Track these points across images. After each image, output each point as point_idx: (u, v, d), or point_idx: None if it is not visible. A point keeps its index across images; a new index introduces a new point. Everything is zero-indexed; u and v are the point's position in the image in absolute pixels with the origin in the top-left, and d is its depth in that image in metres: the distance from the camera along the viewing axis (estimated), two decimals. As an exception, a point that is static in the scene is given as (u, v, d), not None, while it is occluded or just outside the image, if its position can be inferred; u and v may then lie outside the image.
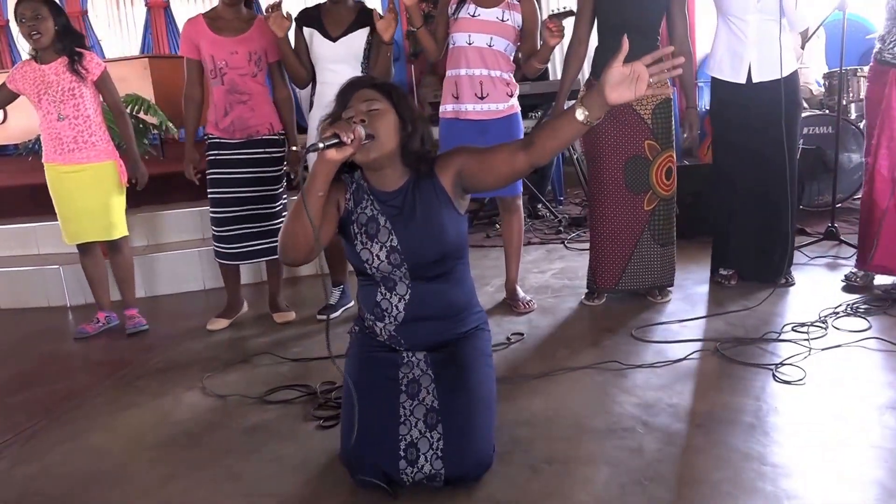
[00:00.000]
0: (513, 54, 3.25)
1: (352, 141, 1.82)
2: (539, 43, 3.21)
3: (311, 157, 1.93)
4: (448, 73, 3.28)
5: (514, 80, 3.27)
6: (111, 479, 2.18)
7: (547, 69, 6.32)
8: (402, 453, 1.89)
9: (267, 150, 3.42)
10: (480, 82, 3.19)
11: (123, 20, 8.78)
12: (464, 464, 1.89)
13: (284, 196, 3.54)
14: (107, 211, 3.47)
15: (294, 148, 3.47)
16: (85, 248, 3.58)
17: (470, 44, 3.16)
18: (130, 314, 3.63)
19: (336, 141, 1.80)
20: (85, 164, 3.39)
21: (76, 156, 3.38)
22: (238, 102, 3.34)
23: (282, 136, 3.48)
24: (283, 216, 3.50)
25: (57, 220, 3.54)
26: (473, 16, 3.13)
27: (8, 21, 8.98)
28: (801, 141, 4.60)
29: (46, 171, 3.46)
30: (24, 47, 8.83)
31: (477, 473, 1.93)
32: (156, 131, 5.78)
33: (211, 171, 3.42)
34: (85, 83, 3.35)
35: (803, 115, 4.73)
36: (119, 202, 3.52)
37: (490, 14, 3.13)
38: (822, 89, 5.23)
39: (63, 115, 3.34)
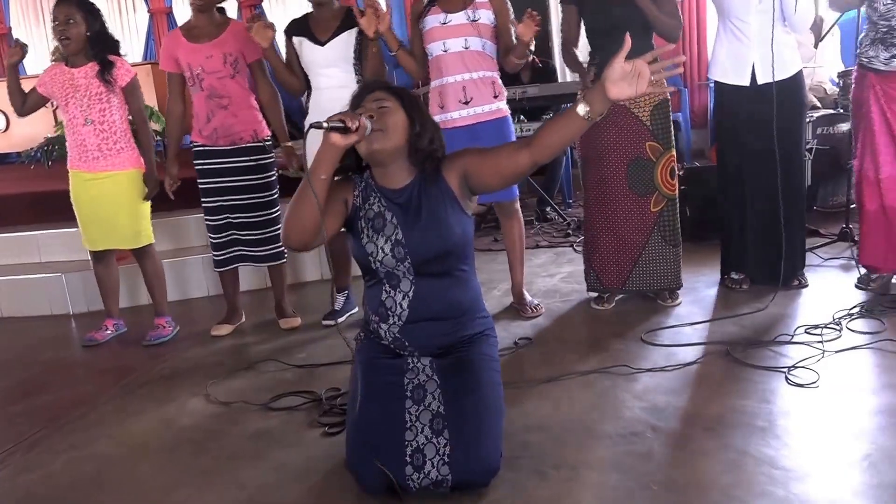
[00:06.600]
0: (493, 53, 3.22)
1: (356, 129, 1.87)
2: (514, 38, 3.14)
3: (311, 146, 1.98)
4: (432, 84, 3.27)
5: (499, 82, 3.25)
6: (116, 486, 2.17)
7: (555, 71, 6.32)
8: (408, 459, 1.87)
9: (252, 157, 3.42)
10: (463, 87, 3.17)
11: (126, 26, 8.78)
12: (470, 469, 1.87)
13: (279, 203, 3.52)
14: (132, 219, 3.43)
15: (287, 144, 3.44)
16: (99, 255, 3.53)
17: (446, 51, 3.15)
18: (158, 323, 3.56)
19: (340, 126, 1.85)
20: (109, 171, 3.36)
21: (100, 163, 3.35)
22: (219, 108, 3.33)
23: (267, 143, 3.46)
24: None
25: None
26: (444, 23, 3.13)
27: (10, 29, 9.00)
28: (816, 141, 4.57)
29: (70, 177, 3.43)
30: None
31: (484, 479, 1.90)
32: (158, 138, 5.78)
33: (200, 180, 3.44)
34: (113, 90, 3.33)
35: (818, 114, 4.71)
36: (144, 209, 3.49)
37: (460, 17, 3.12)
38: (837, 88, 5.19)
39: (90, 119, 3.31)
